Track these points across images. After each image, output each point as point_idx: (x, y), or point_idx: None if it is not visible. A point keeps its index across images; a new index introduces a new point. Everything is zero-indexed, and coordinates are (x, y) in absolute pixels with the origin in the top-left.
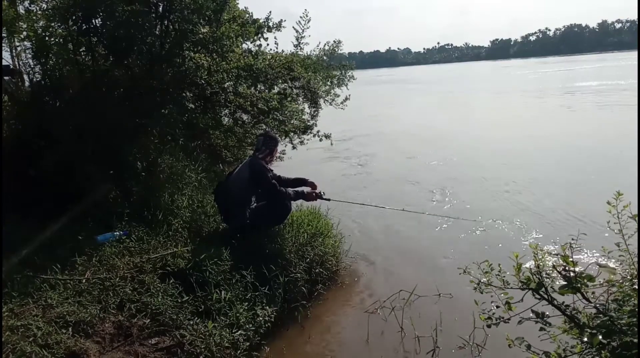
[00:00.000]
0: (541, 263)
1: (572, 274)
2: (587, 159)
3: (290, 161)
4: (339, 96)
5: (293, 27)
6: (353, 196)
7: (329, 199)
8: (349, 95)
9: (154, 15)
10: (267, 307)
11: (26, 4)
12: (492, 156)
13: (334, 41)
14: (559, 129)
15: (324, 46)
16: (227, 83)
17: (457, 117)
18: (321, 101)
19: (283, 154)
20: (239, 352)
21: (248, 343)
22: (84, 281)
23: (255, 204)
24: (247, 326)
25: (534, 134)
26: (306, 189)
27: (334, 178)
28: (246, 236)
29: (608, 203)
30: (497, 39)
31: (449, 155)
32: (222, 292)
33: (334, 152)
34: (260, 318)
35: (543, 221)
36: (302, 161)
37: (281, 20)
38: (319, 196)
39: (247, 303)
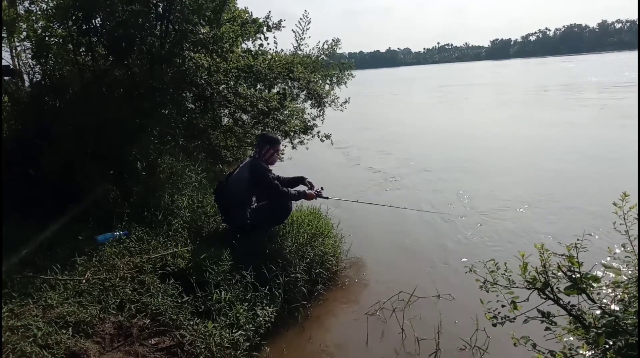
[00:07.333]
0: (547, 263)
1: (577, 275)
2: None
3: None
4: (338, 97)
5: (293, 30)
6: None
7: (327, 198)
8: (349, 98)
9: (154, 15)
10: (267, 307)
11: (26, 4)
12: None
13: (332, 39)
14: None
15: (323, 44)
16: (227, 83)
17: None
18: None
19: (283, 154)
20: (239, 352)
21: (248, 344)
22: (84, 281)
23: (255, 204)
24: (247, 326)
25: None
26: (306, 188)
27: None
28: (246, 236)
29: (614, 203)
30: (497, 39)
31: None
32: (222, 292)
33: None
34: (260, 319)
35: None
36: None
37: (281, 20)
38: (319, 195)
39: (247, 303)
